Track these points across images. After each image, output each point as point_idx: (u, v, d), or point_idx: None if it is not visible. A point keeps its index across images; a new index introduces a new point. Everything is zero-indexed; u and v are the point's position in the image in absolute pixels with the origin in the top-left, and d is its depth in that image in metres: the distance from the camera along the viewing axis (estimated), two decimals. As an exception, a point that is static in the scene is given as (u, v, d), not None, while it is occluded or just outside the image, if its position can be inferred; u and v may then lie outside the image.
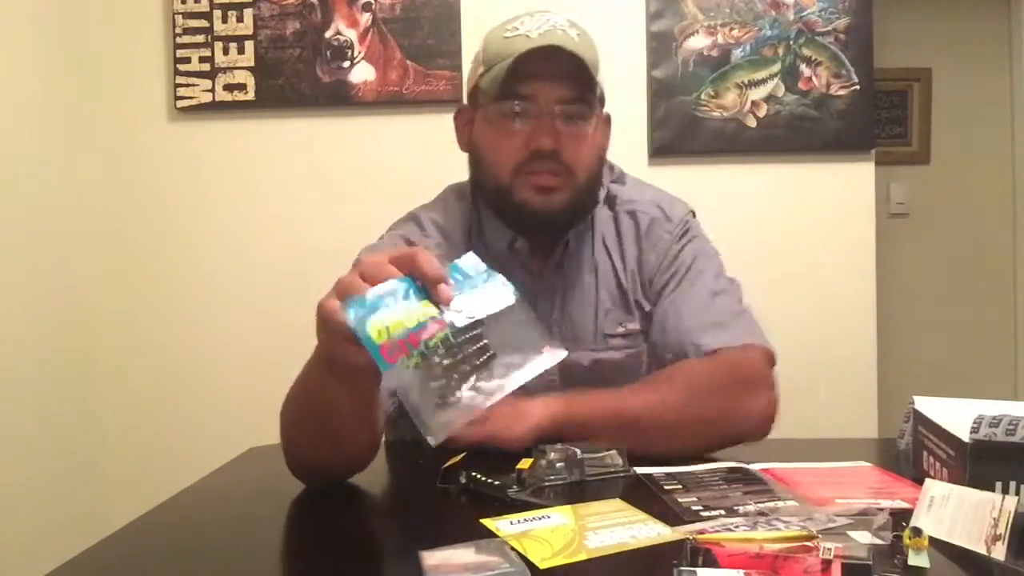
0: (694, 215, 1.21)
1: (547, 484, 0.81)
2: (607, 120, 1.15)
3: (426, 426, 0.61)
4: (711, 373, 1.01)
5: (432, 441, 0.61)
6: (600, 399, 0.96)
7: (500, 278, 0.66)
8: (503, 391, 0.63)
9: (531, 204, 1.06)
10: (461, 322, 0.62)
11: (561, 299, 1.13)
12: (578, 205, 1.10)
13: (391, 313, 0.61)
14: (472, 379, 0.62)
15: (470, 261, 0.67)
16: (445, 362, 0.61)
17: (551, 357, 0.66)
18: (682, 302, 1.10)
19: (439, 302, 0.62)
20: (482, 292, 0.65)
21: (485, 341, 0.63)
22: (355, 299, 0.62)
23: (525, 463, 0.81)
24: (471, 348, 0.62)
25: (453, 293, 0.63)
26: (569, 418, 0.93)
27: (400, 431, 1.07)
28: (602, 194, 1.17)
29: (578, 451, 0.84)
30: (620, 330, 1.13)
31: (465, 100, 1.19)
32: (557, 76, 1.03)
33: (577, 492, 0.80)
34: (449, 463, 0.82)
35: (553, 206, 1.06)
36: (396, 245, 1.10)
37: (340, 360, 0.69)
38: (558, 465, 0.83)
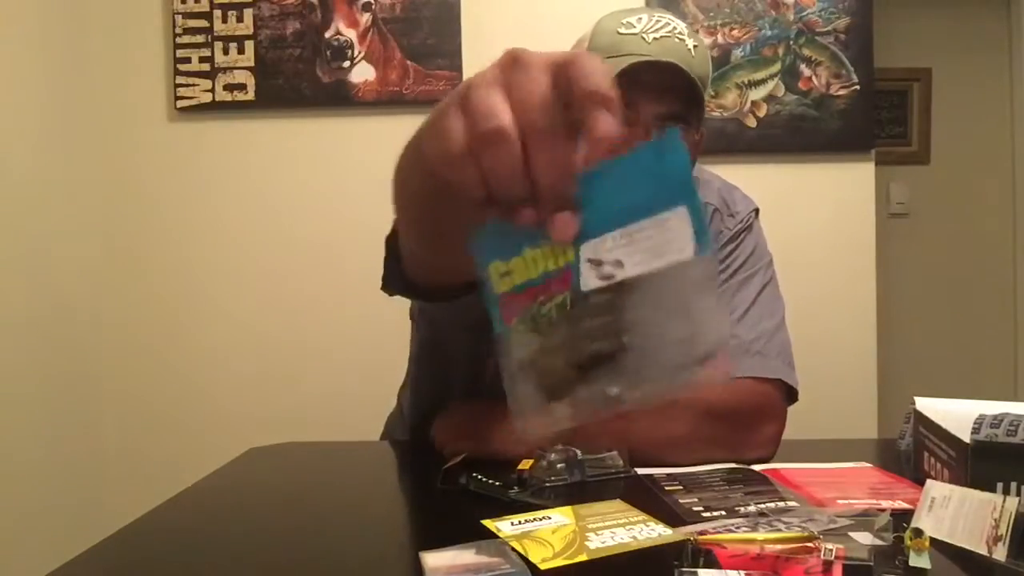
0: (757, 213, 1.17)
1: (548, 485, 0.81)
2: (702, 136, 1.07)
3: (522, 415, 0.40)
4: (726, 400, 0.98)
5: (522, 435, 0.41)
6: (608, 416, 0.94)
7: (685, 209, 0.36)
8: (622, 403, 0.39)
9: None
10: (589, 283, 0.37)
11: None
12: None
13: (512, 246, 0.38)
14: (594, 374, 0.38)
15: (664, 152, 0.38)
16: (558, 338, 0.38)
17: (709, 376, 0.37)
18: (723, 305, 1.05)
19: (554, 236, 0.37)
20: (650, 230, 0.36)
21: (612, 319, 0.37)
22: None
23: (526, 464, 0.81)
24: (594, 322, 0.38)
25: (577, 224, 0.37)
26: (576, 434, 0.91)
27: (401, 431, 1.06)
28: None
29: (579, 452, 0.84)
30: None
31: None
32: (665, 90, 0.97)
33: (578, 493, 0.79)
34: (450, 464, 0.82)
35: None
36: None
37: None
38: (559, 466, 0.83)
